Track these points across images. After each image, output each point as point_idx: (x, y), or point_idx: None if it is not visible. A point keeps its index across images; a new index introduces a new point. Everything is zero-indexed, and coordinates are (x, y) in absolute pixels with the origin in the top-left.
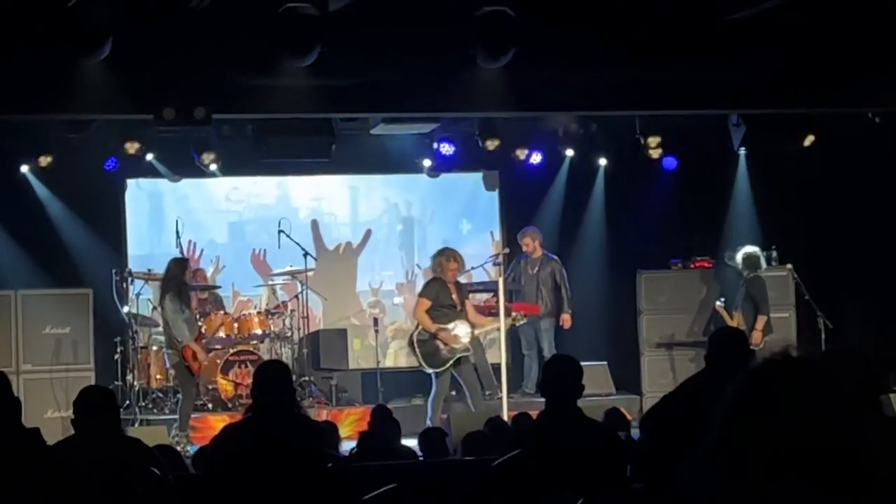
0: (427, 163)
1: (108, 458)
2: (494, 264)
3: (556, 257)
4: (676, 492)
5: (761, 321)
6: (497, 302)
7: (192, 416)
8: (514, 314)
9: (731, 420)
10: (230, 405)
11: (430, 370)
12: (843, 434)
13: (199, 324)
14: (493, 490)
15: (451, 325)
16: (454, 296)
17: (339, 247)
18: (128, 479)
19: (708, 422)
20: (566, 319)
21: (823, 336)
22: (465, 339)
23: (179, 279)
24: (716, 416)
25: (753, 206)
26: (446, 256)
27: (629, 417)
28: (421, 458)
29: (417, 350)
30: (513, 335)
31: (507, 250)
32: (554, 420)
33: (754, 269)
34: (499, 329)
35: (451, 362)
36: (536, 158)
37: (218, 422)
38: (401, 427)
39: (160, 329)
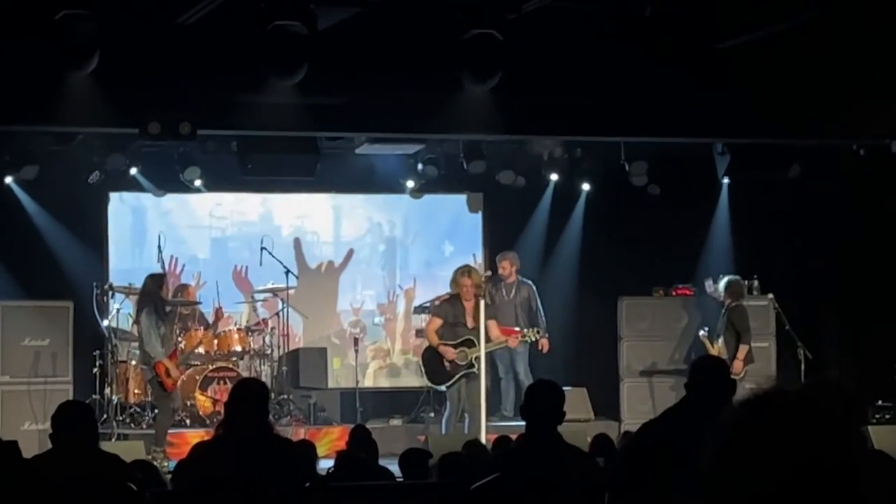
0: (411, 183)
1: (86, 474)
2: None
3: (529, 281)
4: None
5: (742, 350)
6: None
7: (170, 431)
8: (525, 330)
9: (722, 453)
10: (208, 421)
11: (433, 386)
12: (836, 467)
13: (179, 339)
14: None
15: (456, 342)
16: (468, 316)
17: (321, 265)
18: (105, 495)
19: (698, 454)
20: (544, 344)
21: (803, 367)
22: (470, 357)
23: (155, 295)
24: (707, 448)
25: (735, 235)
26: (460, 272)
27: None
28: (400, 480)
29: (423, 367)
30: (488, 359)
31: (489, 273)
32: (534, 444)
33: (737, 297)
34: (507, 345)
35: (455, 379)
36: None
37: (195, 437)
38: (378, 448)
39: (138, 344)
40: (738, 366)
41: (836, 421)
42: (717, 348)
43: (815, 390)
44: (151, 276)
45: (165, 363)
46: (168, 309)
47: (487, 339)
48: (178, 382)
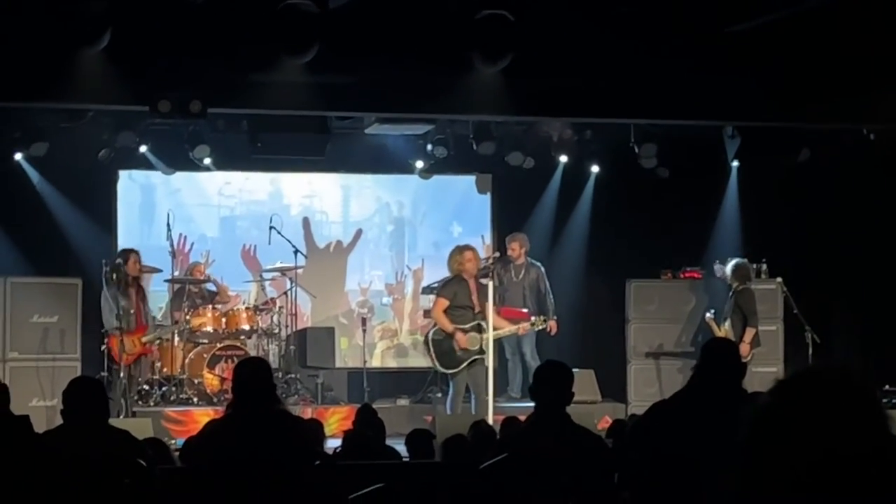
0: (420, 164)
1: (96, 450)
2: (484, 272)
3: (538, 263)
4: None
5: (749, 333)
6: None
7: (177, 409)
8: (533, 318)
9: (761, 429)
10: (215, 400)
11: (442, 370)
12: (874, 444)
13: (187, 317)
14: (479, 493)
15: (467, 326)
16: (474, 297)
17: (329, 245)
18: (115, 471)
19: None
20: (553, 326)
21: (811, 350)
22: (480, 342)
23: (119, 269)
24: (745, 425)
25: (744, 219)
26: (458, 249)
27: None
28: (406, 460)
29: (432, 349)
30: (496, 340)
31: (497, 254)
32: (542, 425)
33: (744, 280)
34: (517, 333)
35: (464, 364)
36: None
37: (202, 416)
38: (385, 427)
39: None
40: (744, 349)
41: (875, 402)
42: (724, 331)
43: (847, 372)
44: (122, 251)
45: (118, 336)
46: (123, 283)
47: (494, 326)
48: (141, 357)
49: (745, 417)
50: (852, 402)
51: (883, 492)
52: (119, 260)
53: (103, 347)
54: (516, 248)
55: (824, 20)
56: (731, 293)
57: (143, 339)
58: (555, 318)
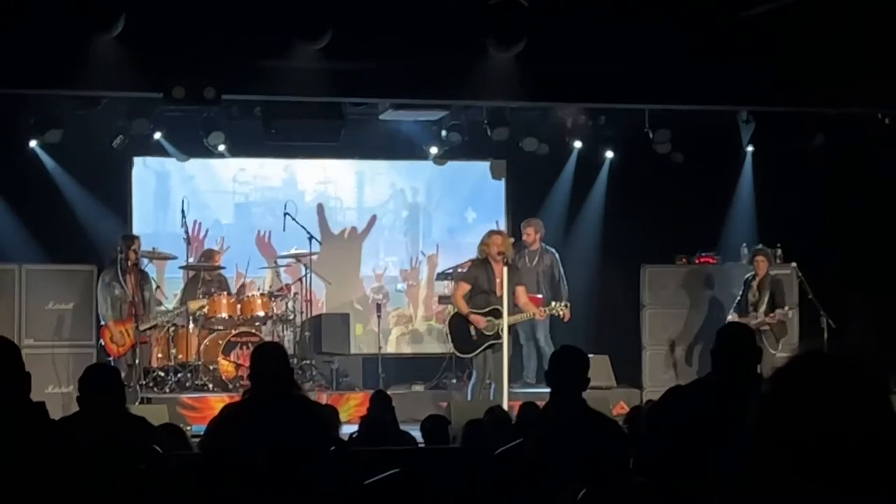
0: (434, 150)
1: (112, 436)
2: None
3: (553, 249)
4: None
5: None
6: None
7: (193, 395)
8: (553, 303)
9: (766, 411)
10: (231, 386)
11: (459, 355)
12: (875, 427)
13: (203, 303)
14: (495, 478)
15: (485, 310)
16: (497, 280)
17: (343, 231)
18: (131, 457)
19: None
20: (566, 313)
21: (826, 336)
22: (496, 327)
23: (117, 257)
24: (752, 407)
25: (759, 204)
26: (488, 233)
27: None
28: (422, 445)
29: (450, 334)
30: (510, 326)
31: (512, 240)
32: (559, 410)
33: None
34: (534, 318)
35: (482, 348)
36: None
37: (218, 402)
38: (396, 413)
39: (162, 308)
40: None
41: (874, 377)
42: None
43: (855, 355)
44: (122, 237)
45: (110, 327)
46: (119, 271)
47: (515, 306)
48: (135, 347)
49: (754, 403)
50: (852, 386)
51: (885, 475)
52: (117, 248)
53: (101, 341)
54: (531, 233)
55: (839, 4)
56: (756, 279)
57: (142, 328)
58: (568, 304)
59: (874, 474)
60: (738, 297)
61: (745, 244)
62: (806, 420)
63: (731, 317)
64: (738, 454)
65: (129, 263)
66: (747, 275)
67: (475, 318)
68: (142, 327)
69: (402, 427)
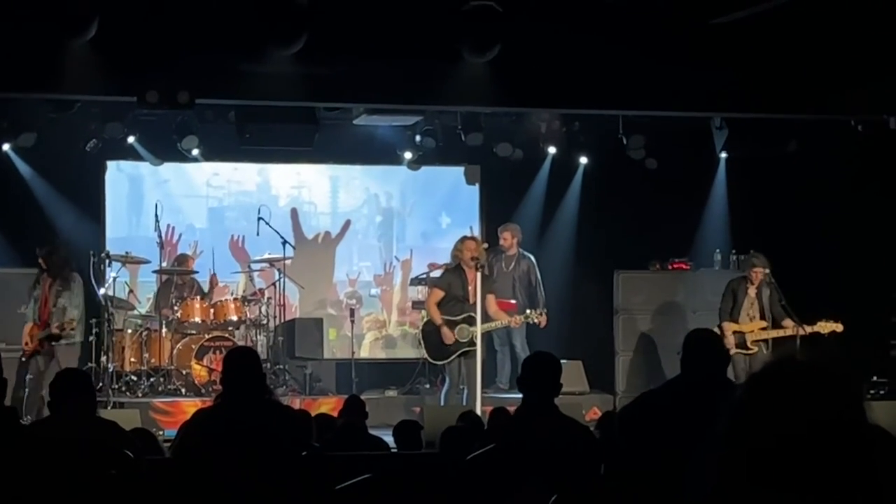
0: (408, 155)
1: (83, 440)
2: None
3: (530, 255)
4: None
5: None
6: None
7: (165, 400)
8: (528, 311)
9: (737, 420)
10: (203, 391)
11: (432, 361)
12: (848, 436)
13: (176, 308)
14: (467, 483)
15: (458, 318)
16: (470, 287)
17: (317, 236)
18: (102, 461)
19: (714, 422)
20: (542, 320)
21: (798, 342)
22: (472, 335)
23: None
24: (722, 415)
25: (732, 210)
26: (461, 239)
27: None
28: (394, 450)
29: (423, 342)
30: (485, 332)
31: (486, 245)
32: (531, 416)
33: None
34: (508, 325)
35: (455, 356)
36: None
37: (190, 407)
38: (369, 418)
39: (135, 312)
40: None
41: (847, 384)
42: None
43: (824, 360)
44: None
45: (25, 329)
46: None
47: (486, 315)
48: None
49: (724, 408)
50: (826, 392)
51: (857, 479)
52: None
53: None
54: (508, 238)
55: (811, 11)
56: (753, 284)
57: (39, 336)
58: (545, 311)
59: (847, 481)
60: (731, 305)
61: (718, 250)
62: (778, 426)
63: (726, 325)
64: (708, 459)
65: (43, 270)
66: (732, 280)
67: (445, 331)
68: (39, 335)
69: (376, 432)
